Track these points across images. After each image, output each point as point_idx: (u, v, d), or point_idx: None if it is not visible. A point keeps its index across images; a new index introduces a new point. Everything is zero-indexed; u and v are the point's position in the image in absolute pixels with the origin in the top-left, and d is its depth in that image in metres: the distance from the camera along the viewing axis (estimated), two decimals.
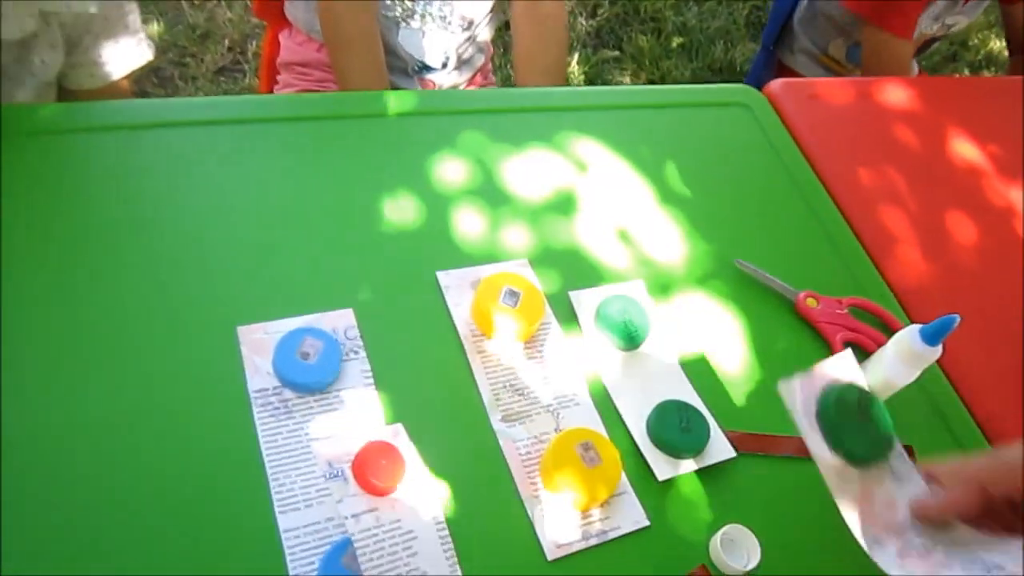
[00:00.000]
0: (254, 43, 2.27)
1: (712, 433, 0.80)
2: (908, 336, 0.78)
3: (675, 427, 0.78)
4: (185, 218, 0.82)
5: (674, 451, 0.78)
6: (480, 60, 1.42)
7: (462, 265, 0.85)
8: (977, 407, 0.95)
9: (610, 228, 0.95)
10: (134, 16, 1.03)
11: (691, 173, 1.05)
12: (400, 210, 0.88)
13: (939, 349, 0.77)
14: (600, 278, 0.90)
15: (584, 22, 2.57)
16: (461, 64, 1.38)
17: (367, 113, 0.96)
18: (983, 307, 1.06)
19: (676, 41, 2.60)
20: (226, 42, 2.27)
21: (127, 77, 1.07)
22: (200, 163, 0.86)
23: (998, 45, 3.19)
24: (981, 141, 1.29)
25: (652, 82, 2.44)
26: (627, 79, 2.44)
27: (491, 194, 0.93)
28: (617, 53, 2.50)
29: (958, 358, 0.93)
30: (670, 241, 0.97)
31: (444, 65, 1.35)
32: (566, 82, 1.42)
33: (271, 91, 1.38)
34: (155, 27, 2.24)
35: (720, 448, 0.80)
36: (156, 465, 0.67)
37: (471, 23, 1.33)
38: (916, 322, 1.01)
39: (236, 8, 2.38)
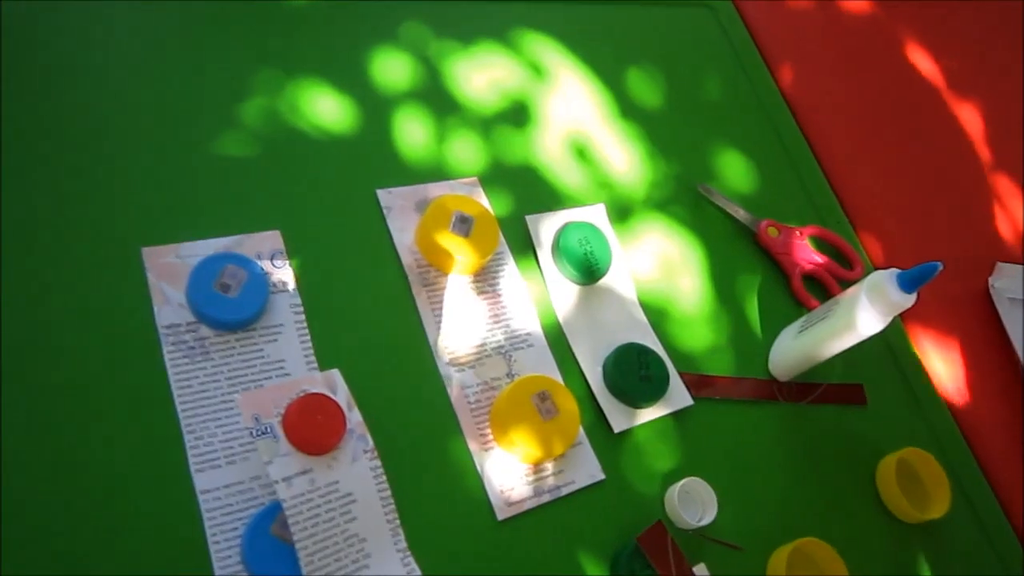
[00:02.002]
0: None
1: (671, 379, 0.74)
2: (883, 281, 0.72)
3: (634, 375, 0.72)
4: (76, 112, 0.68)
5: (632, 400, 0.72)
6: None
7: (405, 182, 0.75)
8: (924, 342, 0.93)
9: (567, 142, 0.86)
10: None
11: (652, 80, 0.96)
12: (334, 113, 0.76)
13: (914, 297, 0.73)
14: (558, 200, 0.81)
15: None
16: None
17: None
18: (935, 239, 1.03)
19: None
20: None
21: None
22: (103, 47, 0.71)
23: None
24: (948, 53, 1.23)
25: None
26: None
27: (437, 98, 0.82)
28: None
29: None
30: (630, 159, 0.89)
31: None
32: None
33: None
34: None
35: (679, 396, 0.75)
36: (48, 414, 0.56)
37: None
38: (871, 254, 0.98)
39: None
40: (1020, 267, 1.04)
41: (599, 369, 0.73)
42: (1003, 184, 1.14)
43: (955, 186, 1.10)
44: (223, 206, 0.68)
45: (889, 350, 0.90)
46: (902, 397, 0.88)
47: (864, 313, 0.73)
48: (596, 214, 0.81)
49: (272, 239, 0.68)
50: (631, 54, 0.97)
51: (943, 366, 0.93)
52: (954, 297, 0.99)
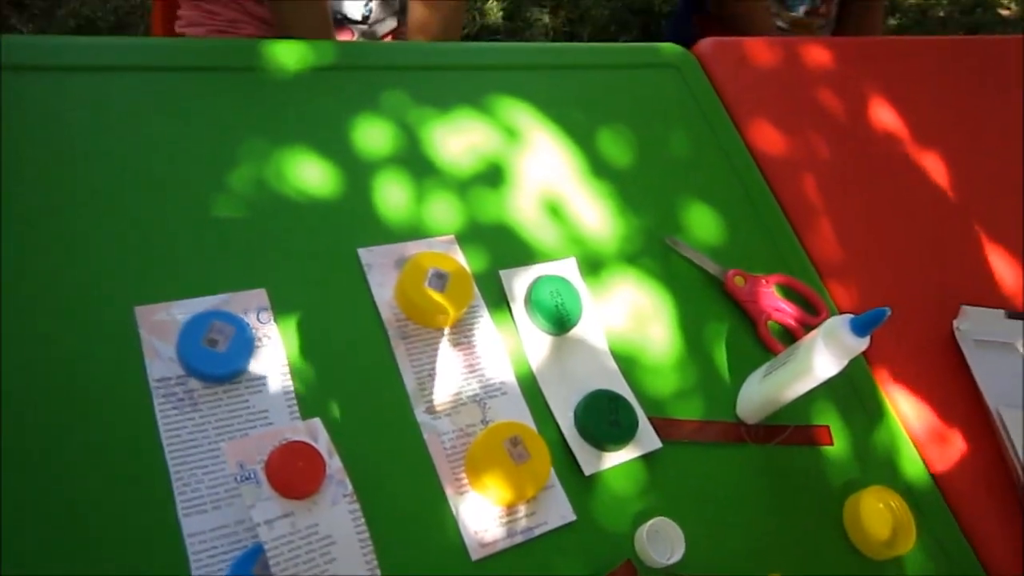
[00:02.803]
0: None
1: (640, 424, 0.78)
2: (838, 327, 0.77)
3: (603, 420, 0.76)
4: (75, 180, 0.73)
5: (602, 444, 0.76)
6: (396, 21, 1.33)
7: (385, 241, 0.79)
8: (890, 384, 0.97)
9: (540, 200, 0.91)
10: None
11: (622, 140, 1.01)
12: (318, 178, 0.81)
13: (867, 340, 0.77)
14: (531, 256, 0.86)
15: None
16: (385, 12, 1.28)
17: (281, 66, 0.88)
18: (899, 284, 1.07)
19: None
20: None
21: None
22: (94, 118, 0.77)
23: None
24: (909, 105, 1.29)
25: (571, 21, 2.37)
26: (546, 17, 2.37)
27: (415, 162, 0.87)
28: None
29: (876, 333, 0.94)
30: (601, 215, 0.93)
31: (365, 19, 1.25)
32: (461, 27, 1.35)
33: (168, 26, 1.25)
34: None
35: (648, 439, 0.78)
36: (45, 461, 0.60)
37: None
38: (838, 300, 1.02)
39: None
40: (983, 310, 1.08)
41: (571, 415, 0.77)
42: (966, 229, 1.19)
43: (919, 232, 1.15)
44: (212, 266, 0.73)
45: (855, 392, 0.94)
46: (868, 437, 0.91)
47: (821, 357, 0.77)
48: (567, 268, 0.86)
49: (258, 296, 0.72)
50: (602, 115, 1.02)
51: (910, 407, 0.96)
52: (920, 340, 1.03)
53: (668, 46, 1.17)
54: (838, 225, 1.10)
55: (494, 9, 2.28)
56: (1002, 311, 1.09)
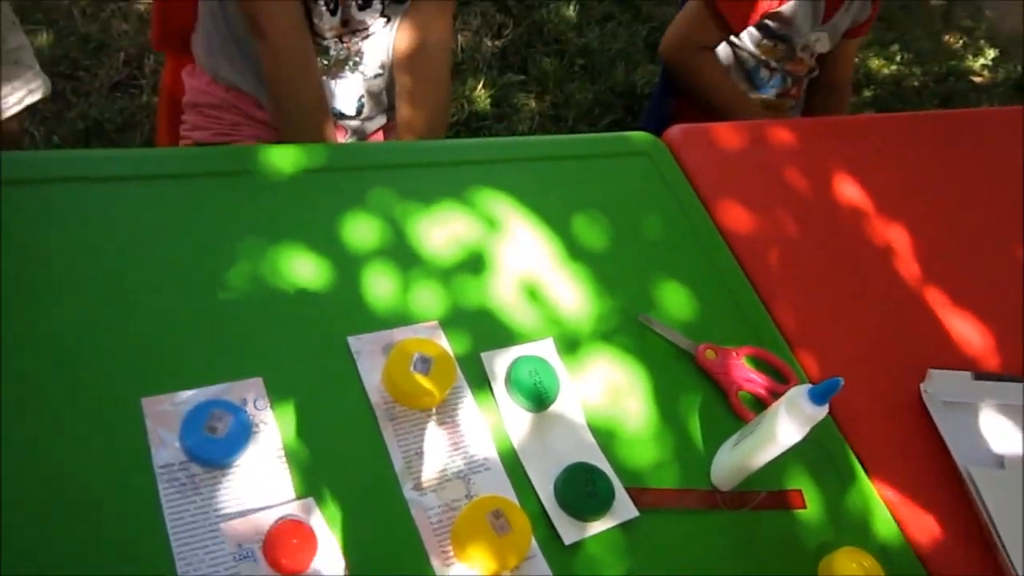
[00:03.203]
0: (151, 58, 2.20)
1: (617, 494, 0.83)
2: (798, 396, 0.82)
3: (581, 491, 0.81)
4: (85, 282, 0.79)
5: (580, 514, 0.80)
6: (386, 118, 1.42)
7: (373, 329, 0.86)
8: (861, 448, 1.01)
9: (519, 285, 0.97)
10: (26, 50, 1.00)
11: (596, 225, 1.08)
12: (309, 272, 0.88)
13: (826, 408, 0.82)
14: (511, 338, 0.92)
15: (489, 43, 2.59)
16: (375, 110, 1.37)
17: (277, 169, 0.95)
18: (867, 350, 1.13)
19: (579, 62, 2.65)
20: (121, 56, 2.19)
21: (18, 116, 1.03)
22: (101, 223, 0.84)
23: (876, 63, 3.37)
24: (871, 178, 1.36)
25: (556, 105, 2.48)
26: (532, 102, 2.48)
27: (401, 253, 0.94)
28: (523, 77, 2.53)
29: (847, 399, 0.99)
30: (577, 297, 1.00)
31: (359, 112, 1.34)
32: (447, 121, 1.44)
33: (173, 130, 1.34)
34: (44, 38, 2.14)
35: (625, 509, 0.83)
36: (55, 543, 0.65)
37: (383, 65, 1.32)
38: (808, 368, 1.08)
39: (132, 20, 2.30)
40: (950, 372, 1.13)
41: (551, 487, 0.82)
42: (931, 294, 1.25)
43: (884, 300, 1.21)
44: (213, 357, 0.79)
45: (827, 456, 0.98)
46: (841, 500, 0.95)
47: (783, 425, 0.83)
48: (545, 348, 0.92)
49: (255, 385, 0.78)
50: (577, 202, 1.10)
51: (882, 468, 1.01)
52: (889, 403, 1.09)
53: (639, 135, 1.25)
54: (806, 296, 1.16)
55: (482, 97, 2.39)
56: (969, 373, 1.15)
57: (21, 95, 0.99)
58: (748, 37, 1.73)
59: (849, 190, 1.34)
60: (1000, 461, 1.07)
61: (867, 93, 3.22)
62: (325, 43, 1.25)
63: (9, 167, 0.83)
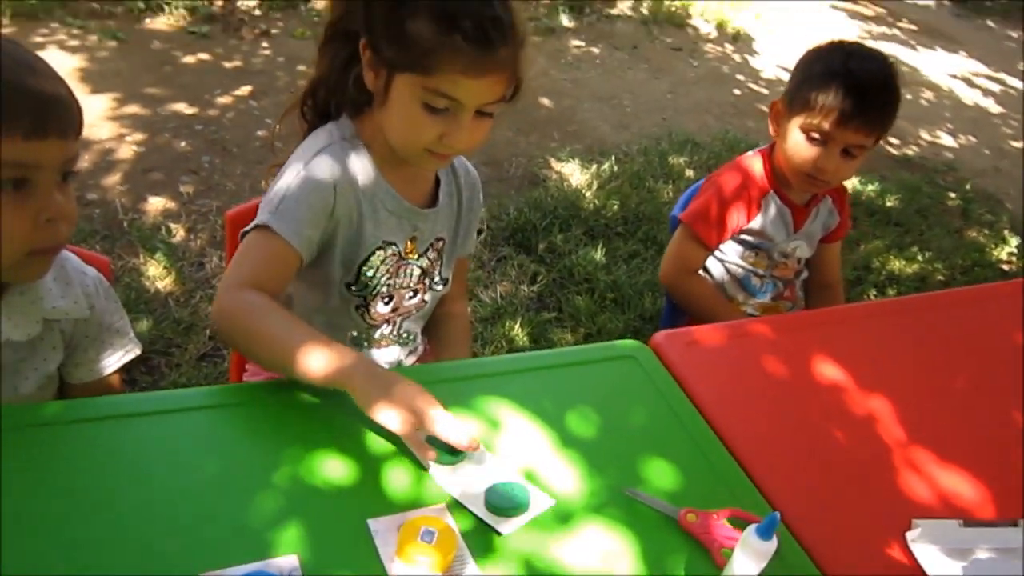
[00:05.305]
0: None
1: None
2: (748, 535, 0.96)
3: None
4: (161, 492, 1.01)
5: None
6: (422, 349, 1.65)
7: (390, 512, 1.04)
8: None
9: (520, 471, 1.15)
10: (123, 320, 1.28)
11: (589, 418, 1.27)
12: (339, 468, 1.08)
13: (774, 542, 0.96)
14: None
15: (526, 289, 2.90)
16: (409, 359, 1.60)
17: (309, 389, 1.19)
18: (854, 504, 1.24)
19: (609, 296, 2.92)
20: (207, 332, 2.55)
21: (118, 371, 1.29)
22: (174, 446, 1.08)
23: (899, 264, 3.56)
24: (847, 359, 1.53)
25: (589, 335, 2.72)
26: (568, 335, 2.73)
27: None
28: (556, 314, 2.81)
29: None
30: (571, 478, 1.16)
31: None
32: None
33: (240, 378, 1.62)
34: (144, 324, 2.52)
35: None
36: None
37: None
38: (794, 527, 1.20)
39: None
40: (936, 522, 1.23)
41: None
42: (916, 453, 1.36)
43: (863, 466, 1.34)
44: (258, 539, 0.98)
45: None
46: None
47: (739, 561, 0.97)
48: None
49: (291, 561, 0.96)
50: (569, 401, 1.29)
51: None
52: (875, 552, 1.19)
53: (626, 342, 1.47)
54: (789, 463, 1.30)
55: (520, 335, 2.66)
56: (956, 521, 1.24)
57: (120, 355, 1.27)
58: (732, 252, 1.97)
59: (829, 372, 1.51)
60: None
61: (891, 292, 3.39)
62: (376, 326, 1.49)
63: (109, 406, 1.09)
